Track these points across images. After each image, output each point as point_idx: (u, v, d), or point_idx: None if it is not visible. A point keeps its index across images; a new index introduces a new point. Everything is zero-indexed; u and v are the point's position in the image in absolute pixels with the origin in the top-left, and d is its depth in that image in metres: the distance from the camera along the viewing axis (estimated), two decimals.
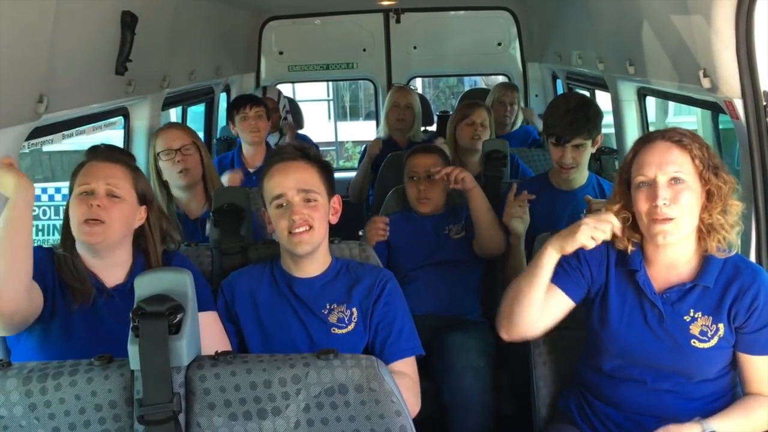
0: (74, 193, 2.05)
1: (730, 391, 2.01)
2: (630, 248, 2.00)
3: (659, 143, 1.95)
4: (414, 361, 2.17)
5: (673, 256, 1.98)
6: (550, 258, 1.95)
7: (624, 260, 2.03)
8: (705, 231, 1.94)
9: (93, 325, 2.01)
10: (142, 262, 2.12)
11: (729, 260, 1.96)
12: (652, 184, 1.92)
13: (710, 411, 1.95)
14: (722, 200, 1.91)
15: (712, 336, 1.94)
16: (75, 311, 2.01)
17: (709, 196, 1.92)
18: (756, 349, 1.94)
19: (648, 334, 1.98)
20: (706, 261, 1.97)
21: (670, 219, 1.89)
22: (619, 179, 2.03)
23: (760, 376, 1.95)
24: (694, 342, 1.94)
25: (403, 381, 2.07)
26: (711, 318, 1.95)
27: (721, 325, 1.94)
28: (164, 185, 3.04)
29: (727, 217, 1.92)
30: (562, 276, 2.03)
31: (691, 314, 1.96)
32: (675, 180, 1.91)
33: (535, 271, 1.98)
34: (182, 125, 3.28)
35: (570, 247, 1.93)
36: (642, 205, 1.93)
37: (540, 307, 1.99)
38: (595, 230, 1.91)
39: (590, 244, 1.91)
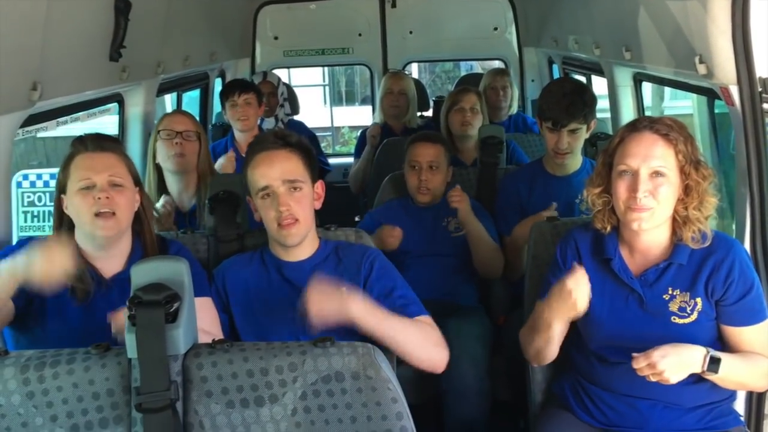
0: (74, 188, 2.03)
1: None
2: (608, 230, 2.05)
3: (646, 134, 1.97)
4: (429, 316, 2.15)
5: (649, 241, 2.03)
6: (557, 326, 2.02)
7: (599, 249, 2.09)
8: (680, 221, 1.99)
9: (89, 318, 2.00)
10: (139, 249, 2.13)
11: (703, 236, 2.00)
12: (635, 175, 1.96)
13: (701, 390, 1.99)
14: (699, 195, 1.96)
15: (692, 311, 1.99)
16: (70, 306, 2.01)
17: (687, 189, 1.97)
18: (738, 320, 1.98)
19: (630, 318, 2.02)
20: (678, 241, 2.01)
21: (647, 209, 1.94)
22: (602, 161, 2.07)
23: (746, 345, 1.98)
24: (674, 319, 1.99)
25: (424, 328, 2.07)
26: (688, 294, 1.99)
27: (698, 300, 1.98)
28: (158, 171, 3.00)
29: (702, 211, 1.97)
30: None
31: (670, 292, 2.00)
32: (656, 173, 1.95)
33: (546, 337, 2.05)
34: (190, 114, 3.22)
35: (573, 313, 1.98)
36: (622, 192, 1.97)
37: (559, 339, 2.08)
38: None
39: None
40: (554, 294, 1.97)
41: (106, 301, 2.02)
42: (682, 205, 1.97)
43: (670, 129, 1.96)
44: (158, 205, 2.90)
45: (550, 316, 1.99)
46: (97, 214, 2.00)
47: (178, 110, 3.37)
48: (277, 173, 2.08)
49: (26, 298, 1.98)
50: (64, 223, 2.09)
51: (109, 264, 2.08)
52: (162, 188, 3.02)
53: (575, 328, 2.15)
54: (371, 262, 2.18)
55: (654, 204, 1.94)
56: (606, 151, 2.06)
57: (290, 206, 2.07)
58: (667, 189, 1.95)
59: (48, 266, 1.79)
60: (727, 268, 1.97)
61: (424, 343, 2.03)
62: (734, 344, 2.00)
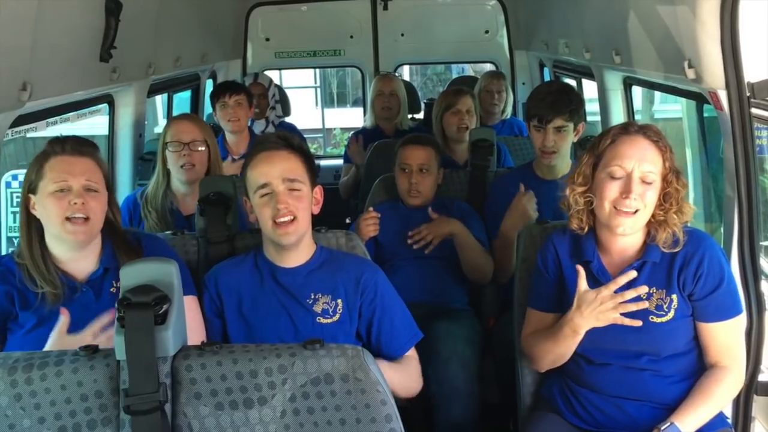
0: (48, 190, 1.99)
1: (704, 366, 2.05)
2: (585, 229, 2.06)
3: (640, 138, 2.00)
4: (414, 348, 2.22)
5: (626, 243, 2.05)
6: (572, 340, 2.03)
7: (577, 252, 2.10)
8: (656, 224, 2.01)
9: (71, 323, 1.97)
10: (109, 246, 2.11)
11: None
12: (627, 177, 1.97)
13: (686, 388, 2.01)
14: (678, 203, 1.99)
15: (668, 309, 2.01)
16: (46, 312, 2.00)
17: (666, 196, 1.99)
18: (708, 316, 2.01)
19: None
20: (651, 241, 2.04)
21: (634, 212, 1.96)
22: (587, 160, 2.07)
23: (716, 343, 2.02)
24: (652, 318, 2.01)
25: (410, 366, 2.19)
26: (664, 291, 2.01)
27: (674, 296, 2.00)
28: (166, 174, 2.99)
29: (680, 216, 1.99)
30: (545, 298, 2.15)
31: (646, 290, 2.01)
32: (646, 177, 1.97)
33: (572, 343, 2.05)
34: (198, 119, 3.18)
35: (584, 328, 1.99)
36: (611, 193, 1.99)
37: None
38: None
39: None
40: (586, 301, 1.96)
41: (84, 303, 2.02)
42: (660, 210, 2.00)
43: (659, 137, 2.00)
44: None
45: (581, 323, 1.98)
46: (69, 218, 1.98)
47: (185, 116, 3.29)
48: (278, 172, 2.09)
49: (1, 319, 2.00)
50: (32, 226, 2.04)
51: (81, 266, 2.07)
52: (165, 195, 2.98)
53: None
54: (375, 283, 2.18)
55: (641, 206, 1.97)
56: (593, 150, 2.06)
57: (289, 204, 2.07)
58: (652, 194, 1.98)
59: None
60: (697, 262, 1.99)
61: (403, 387, 2.15)
62: (705, 341, 2.02)
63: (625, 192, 1.96)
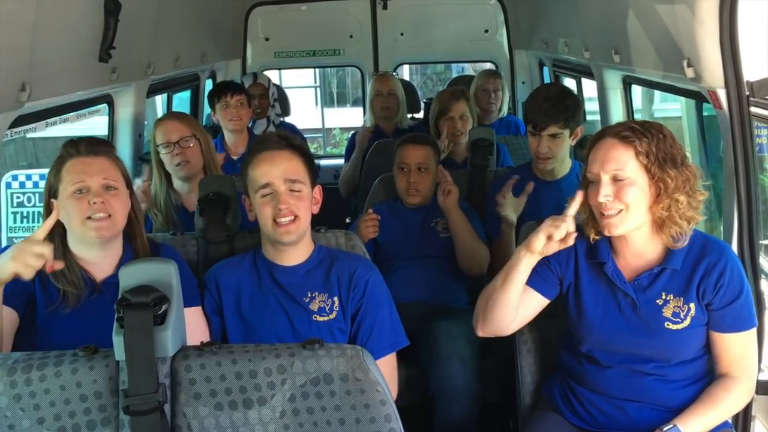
0: (67, 192, 2.01)
1: (710, 372, 2.05)
2: (593, 237, 2.04)
3: (606, 140, 1.98)
4: (394, 355, 2.20)
5: (638, 246, 2.02)
6: (522, 260, 2.01)
7: (593, 253, 2.08)
8: (658, 224, 1.97)
9: (81, 324, 2.00)
10: (130, 253, 2.12)
11: (695, 240, 2.00)
12: (597, 181, 1.96)
13: (690, 393, 2.01)
14: (668, 196, 1.92)
15: (685, 317, 1.99)
16: (61, 312, 2.01)
17: (658, 190, 1.94)
18: (724, 327, 1.99)
19: (623, 322, 2.02)
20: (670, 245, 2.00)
21: (615, 213, 1.94)
22: (583, 172, 2.07)
23: (729, 354, 2.00)
24: (667, 324, 1.99)
25: (388, 370, 2.10)
26: (682, 299, 1.99)
27: (692, 305, 1.99)
28: (166, 175, 2.99)
29: (672, 213, 1.93)
30: (533, 276, 2.08)
31: (663, 297, 2.00)
32: (616, 177, 1.94)
33: (509, 274, 2.03)
34: (183, 115, 3.18)
35: (536, 245, 1.97)
36: (592, 199, 1.98)
37: (515, 308, 2.06)
38: (551, 228, 1.96)
39: (554, 243, 1.96)
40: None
41: (98, 306, 2.02)
42: (656, 206, 1.95)
43: (632, 131, 1.94)
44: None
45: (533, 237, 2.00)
46: (90, 218, 1.99)
47: (169, 115, 3.30)
48: (279, 172, 2.09)
49: (24, 302, 1.99)
50: (55, 230, 2.04)
51: (101, 268, 2.07)
52: (168, 193, 2.99)
53: (566, 330, 2.16)
54: (366, 280, 2.18)
55: (621, 206, 1.94)
56: (584, 161, 2.06)
57: (290, 204, 2.08)
58: (633, 191, 1.93)
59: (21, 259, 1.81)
60: (719, 272, 1.96)
61: None
62: (718, 351, 2.01)
63: (598, 195, 1.95)
